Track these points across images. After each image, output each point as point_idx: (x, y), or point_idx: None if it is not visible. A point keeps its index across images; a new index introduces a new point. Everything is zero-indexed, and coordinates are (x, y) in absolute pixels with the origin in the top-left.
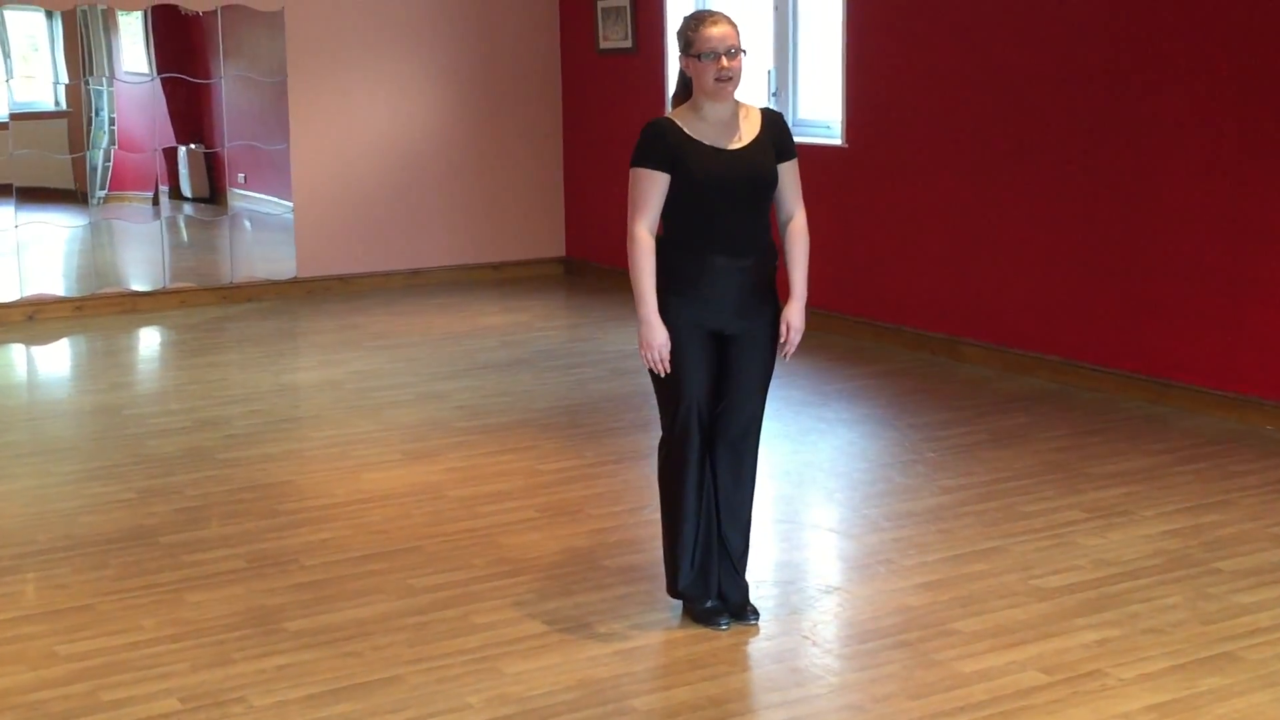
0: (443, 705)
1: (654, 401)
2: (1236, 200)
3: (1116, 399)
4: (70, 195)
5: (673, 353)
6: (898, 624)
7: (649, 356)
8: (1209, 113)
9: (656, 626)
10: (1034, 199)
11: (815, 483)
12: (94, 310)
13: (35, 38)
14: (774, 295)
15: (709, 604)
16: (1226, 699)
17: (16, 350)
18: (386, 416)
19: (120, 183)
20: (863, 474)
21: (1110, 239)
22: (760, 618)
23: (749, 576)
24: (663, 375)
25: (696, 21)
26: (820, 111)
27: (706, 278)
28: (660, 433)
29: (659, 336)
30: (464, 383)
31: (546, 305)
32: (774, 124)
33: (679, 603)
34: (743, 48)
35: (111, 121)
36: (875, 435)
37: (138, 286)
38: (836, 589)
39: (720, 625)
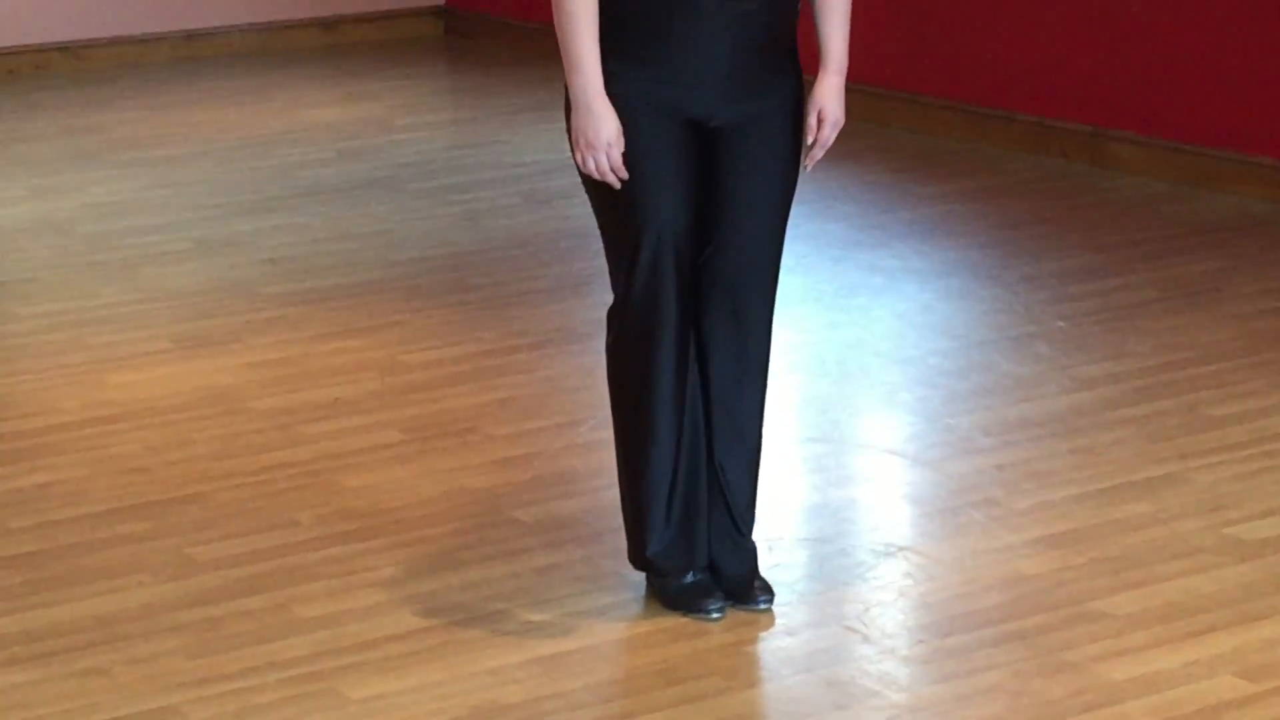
0: None
1: (600, 245)
2: None
3: None
4: None
5: (625, 157)
6: (1005, 605)
7: (590, 162)
8: None
9: (603, 617)
10: None
11: (868, 375)
12: None
13: None
14: (793, 62)
15: (690, 579)
16: None
17: None
18: (146, 279)
19: None
20: (946, 360)
21: None
22: (775, 600)
23: (758, 534)
24: (617, 186)
25: None
26: None
27: (680, 31)
28: (610, 298)
29: (606, 127)
30: (277, 220)
31: (415, 88)
32: None
33: (641, 578)
34: None
35: None
36: (967, 294)
37: None
38: (903, 549)
39: (710, 613)
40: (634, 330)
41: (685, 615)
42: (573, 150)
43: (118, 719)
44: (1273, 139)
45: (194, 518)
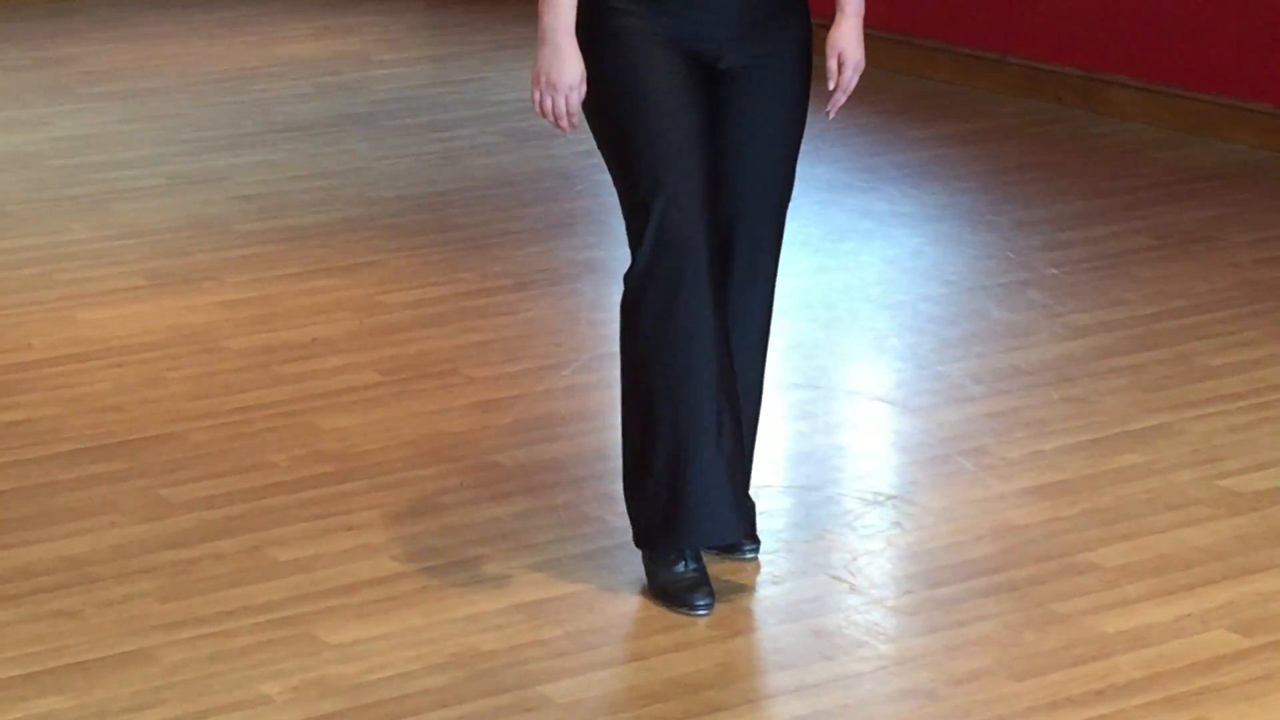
0: (222, 698)
1: (583, 186)
2: None
3: None
4: None
5: (628, 96)
6: (995, 555)
7: (548, 101)
8: None
9: (585, 563)
10: None
11: (856, 321)
12: None
13: None
14: (801, 3)
15: (681, 569)
16: None
17: None
18: (118, 214)
19: None
20: (936, 306)
21: None
22: (761, 549)
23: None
24: (566, 132)
25: None
26: None
27: None
28: (615, 236)
29: (571, 69)
30: (252, 156)
31: (394, 23)
32: None
33: (624, 523)
34: None
35: None
36: (958, 240)
37: None
38: (892, 498)
39: (696, 609)
40: (651, 295)
41: (672, 609)
42: (532, 87)
43: (88, 662)
44: (1270, 85)
45: (167, 458)
